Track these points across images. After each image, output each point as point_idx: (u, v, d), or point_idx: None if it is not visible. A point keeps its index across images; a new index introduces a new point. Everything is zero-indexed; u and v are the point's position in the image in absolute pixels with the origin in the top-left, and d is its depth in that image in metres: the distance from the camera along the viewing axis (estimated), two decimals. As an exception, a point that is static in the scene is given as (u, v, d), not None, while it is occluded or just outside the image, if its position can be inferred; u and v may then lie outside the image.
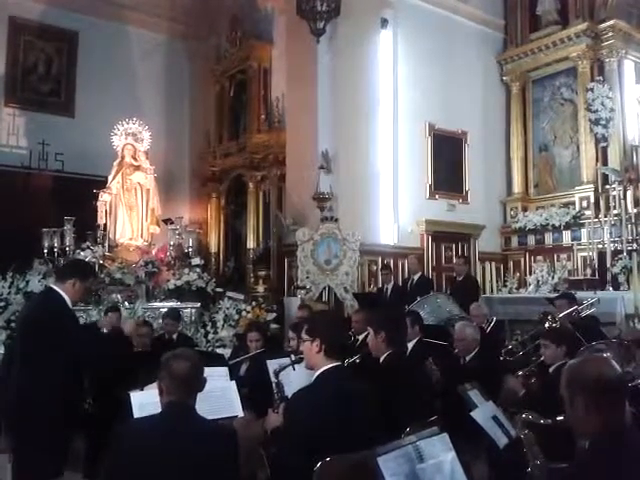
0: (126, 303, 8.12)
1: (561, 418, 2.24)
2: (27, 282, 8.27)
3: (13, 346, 4.18)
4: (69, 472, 4.14)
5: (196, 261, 9.09)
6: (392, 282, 8.79)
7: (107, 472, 2.40)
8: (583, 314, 6.31)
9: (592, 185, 10.31)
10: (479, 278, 10.71)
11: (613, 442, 1.94)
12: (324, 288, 8.93)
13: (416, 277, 8.65)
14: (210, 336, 8.28)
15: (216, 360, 5.39)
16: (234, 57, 11.82)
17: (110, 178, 9.68)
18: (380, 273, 9.33)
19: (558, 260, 10.57)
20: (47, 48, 11.83)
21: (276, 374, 3.27)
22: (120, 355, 4.61)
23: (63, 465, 3.67)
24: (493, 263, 10.45)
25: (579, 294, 6.99)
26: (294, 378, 3.42)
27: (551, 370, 4.10)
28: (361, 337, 5.27)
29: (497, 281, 10.27)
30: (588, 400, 1.97)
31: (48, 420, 3.49)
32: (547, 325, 5.56)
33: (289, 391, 3.17)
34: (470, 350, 4.84)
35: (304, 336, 2.91)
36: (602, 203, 9.90)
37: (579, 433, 2.11)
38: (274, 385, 3.29)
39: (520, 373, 4.28)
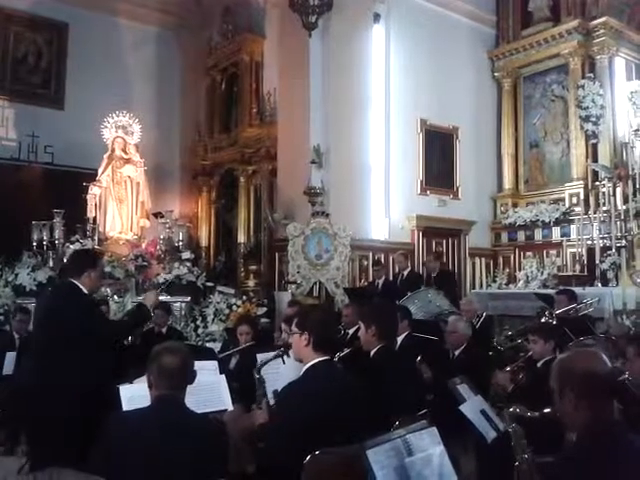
0: (115, 297, 8.10)
1: (548, 410, 2.25)
2: (16, 275, 8.24)
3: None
4: (58, 468, 4.12)
5: (186, 255, 9.08)
6: (384, 277, 8.80)
7: (96, 465, 2.39)
8: (581, 313, 6.32)
9: (582, 182, 10.36)
10: (469, 273, 10.77)
11: (600, 437, 1.96)
12: (315, 283, 8.93)
13: (405, 272, 8.66)
14: (200, 330, 8.27)
15: (206, 354, 5.39)
16: (226, 50, 11.78)
17: (100, 171, 9.65)
18: (372, 269, 9.33)
19: (547, 256, 10.62)
20: (37, 39, 11.72)
21: (257, 370, 3.27)
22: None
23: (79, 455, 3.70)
24: (483, 259, 10.49)
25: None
26: (284, 372, 3.42)
27: (539, 365, 4.14)
28: (351, 331, 5.28)
29: (487, 276, 10.31)
30: (579, 395, 1.98)
31: (70, 407, 3.50)
32: (543, 320, 5.59)
33: (279, 385, 3.17)
34: (459, 344, 4.92)
35: (294, 329, 2.92)
36: (592, 199, 9.95)
37: (568, 426, 2.12)
38: (256, 381, 3.29)
39: (508, 368, 4.30)
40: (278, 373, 3.58)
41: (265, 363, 3.27)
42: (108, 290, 8.22)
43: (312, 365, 2.80)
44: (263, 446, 2.94)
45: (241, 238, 11.20)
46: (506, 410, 2.45)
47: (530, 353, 4.32)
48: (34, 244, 8.77)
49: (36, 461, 3.27)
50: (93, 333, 3.72)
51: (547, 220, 10.60)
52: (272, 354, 3.38)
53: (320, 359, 2.81)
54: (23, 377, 3.80)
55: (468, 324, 5.18)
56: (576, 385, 1.99)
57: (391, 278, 9.08)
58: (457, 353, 4.89)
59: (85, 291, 3.90)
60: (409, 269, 8.77)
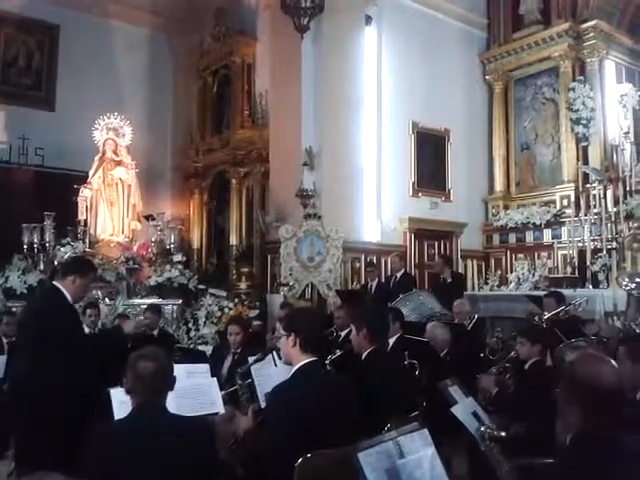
0: (107, 299, 8.06)
1: (515, 429, 2.25)
2: (6, 278, 8.19)
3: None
4: (48, 472, 4.10)
5: (178, 257, 9.06)
6: (377, 279, 8.81)
7: (84, 474, 2.37)
8: (570, 314, 6.33)
9: (573, 184, 10.42)
10: (461, 276, 10.78)
11: (595, 438, 1.96)
12: (307, 285, 8.93)
13: (399, 275, 8.67)
14: (192, 333, 8.24)
15: (197, 357, 5.38)
16: (218, 52, 11.76)
17: (91, 173, 9.60)
18: (365, 271, 9.34)
19: (539, 258, 10.66)
20: (28, 41, 11.67)
21: (240, 376, 3.27)
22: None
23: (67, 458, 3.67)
24: (475, 261, 10.51)
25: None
26: (275, 375, 3.42)
27: (526, 367, 4.15)
28: (343, 333, 5.28)
29: (479, 278, 10.32)
30: (583, 400, 1.97)
31: (52, 412, 3.49)
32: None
33: (269, 387, 3.17)
34: (441, 350, 5.03)
35: (281, 331, 2.92)
36: (582, 202, 10.00)
37: (564, 425, 2.11)
38: (239, 387, 3.28)
39: (494, 370, 4.31)
40: (269, 376, 3.58)
41: (247, 368, 3.27)
42: (99, 293, 8.19)
43: (300, 366, 2.80)
44: (253, 450, 2.93)
45: (233, 240, 11.17)
46: (477, 430, 2.45)
47: (513, 354, 4.35)
48: (25, 247, 8.72)
49: (24, 465, 3.26)
50: (64, 335, 3.70)
51: (538, 222, 10.64)
52: (252, 359, 3.38)
53: (308, 360, 2.81)
54: (11, 380, 3.79)
55: (446, 330, 5.23)
56: (589, 395, 1.97)
57: (384, 280, 9.11)
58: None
59: (68, 296, 3.89)
60: (403, 271, 8.79)
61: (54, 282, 4.03)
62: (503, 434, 2.32)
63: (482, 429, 2.40)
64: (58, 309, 3.84)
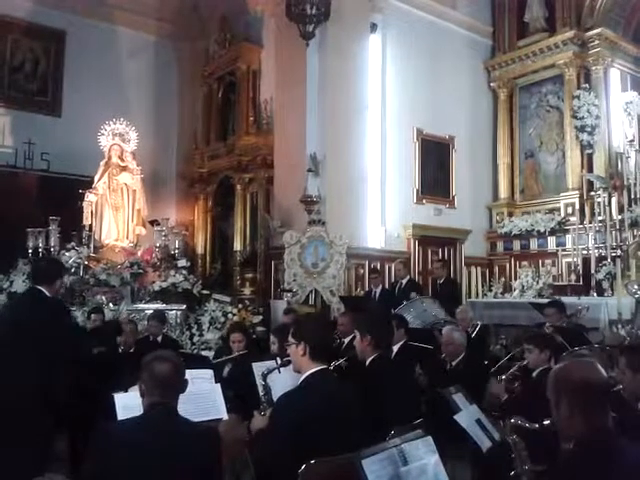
0: (111, 304, 8.07)
1: (547, 422, 2.25)
2: (11, 282, 8.22)
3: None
4: (52, 473, 4.10)
5: (182, 263, 9.07)
6: (380, 286, 8.79)
7: (90, 473, 2.38)
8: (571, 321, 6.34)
9: (577, 191, 10.41)
10: (464, 282, 10.77)
11: (597, 443, 1.96)
12: (311, 291, 8.92)
13: (404, 281, 8.65)
14: (195, 338, 8.24)
15: (201, 363, 5.38)
16: (223, 59, 11.81)
17: (96, 178, 9.64)
18: (369, 277, 9.33)
19: (543, 265, 10.63)
20: (34, 47, 11.73)
21: (264, 376, 3.25)
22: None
23: (44, 465, 3.67)
24: (479, 268, 10.50)
25: (564, 300, 7.03)
26: (278, 381, 3.41)
27: (534, 374, 4.13)
28: (347, 340, 5.27)
29: (482, 286, 10.31)
30: (573, 403, 1.99)
31: (33, 419, 3.49)
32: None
33: (274, 394, 3.16)
34: (457, 355, 4.87)
35: (290, 339, 2.91)
36: (587, 209, 9.99)
37: (564, 435, 2.12)
38: (261, 387, 3.27)
39: (503, 377, 4.29)
40: (273, 382, 3.58)
41: (271, 371, 3.26)
42: (103, 298, 8.20)
43: (309, 375, 2.80)
44: (259, 453, 2.92)
45: (237, 246, 11.18)
46: (507, 421, 2.45)
47: (525, 362, 4.32)
48: (30, 251, 8.74)
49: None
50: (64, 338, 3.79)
51: (542, 230, 10.63)
52: (274, 363, 3.36)
53: (317, 369, 2.81)
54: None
55: (463, 334, 5.16)
56: (572, 393, 2.00)
57: (388, 286, 9.08)
58: (454, 363, 4.86)
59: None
60: (408, 278, 8.78)
61: (39, 287, 4.08)
62: (537, 426, 2.32)
63: (512, 420, 2.41)
64: (59, 314, 3.91)
